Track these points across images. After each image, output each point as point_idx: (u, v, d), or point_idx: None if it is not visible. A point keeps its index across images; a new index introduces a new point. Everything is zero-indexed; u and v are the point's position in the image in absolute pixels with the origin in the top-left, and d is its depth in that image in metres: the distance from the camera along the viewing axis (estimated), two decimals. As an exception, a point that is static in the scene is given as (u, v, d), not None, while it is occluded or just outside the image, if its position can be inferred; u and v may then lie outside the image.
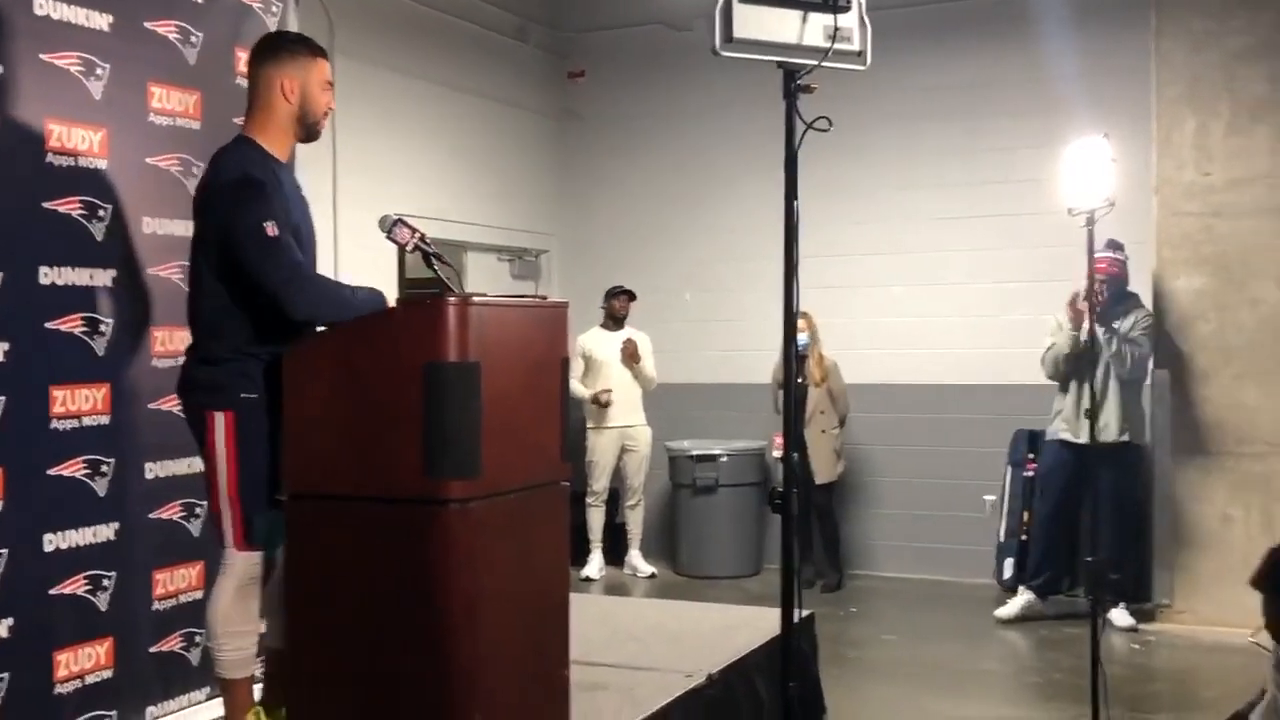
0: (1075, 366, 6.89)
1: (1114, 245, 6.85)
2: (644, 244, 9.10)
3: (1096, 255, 6.75)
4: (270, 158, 3.48)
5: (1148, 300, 7.16)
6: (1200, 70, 7.07)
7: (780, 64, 3.28)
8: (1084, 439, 6.80)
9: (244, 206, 3.30)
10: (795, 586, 3.35)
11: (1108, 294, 6.77)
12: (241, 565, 3.41)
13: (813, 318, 7.74)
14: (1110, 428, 6.79)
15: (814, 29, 3.25)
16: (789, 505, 3.34)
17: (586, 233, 9.33)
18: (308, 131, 3.56)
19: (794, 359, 3.58)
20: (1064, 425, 7.04)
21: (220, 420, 3.36)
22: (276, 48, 3.55)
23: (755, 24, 3.19)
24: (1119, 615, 6.91)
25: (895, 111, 8.27)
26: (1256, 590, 2.39)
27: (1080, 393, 6.88)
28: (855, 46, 3.36)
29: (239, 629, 3.43)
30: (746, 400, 8.57)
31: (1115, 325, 6.85)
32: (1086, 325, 6.79)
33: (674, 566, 8.62)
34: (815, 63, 3.27)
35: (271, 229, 3.27)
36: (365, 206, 5.99)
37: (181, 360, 3.55)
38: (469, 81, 8.33)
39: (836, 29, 3.24)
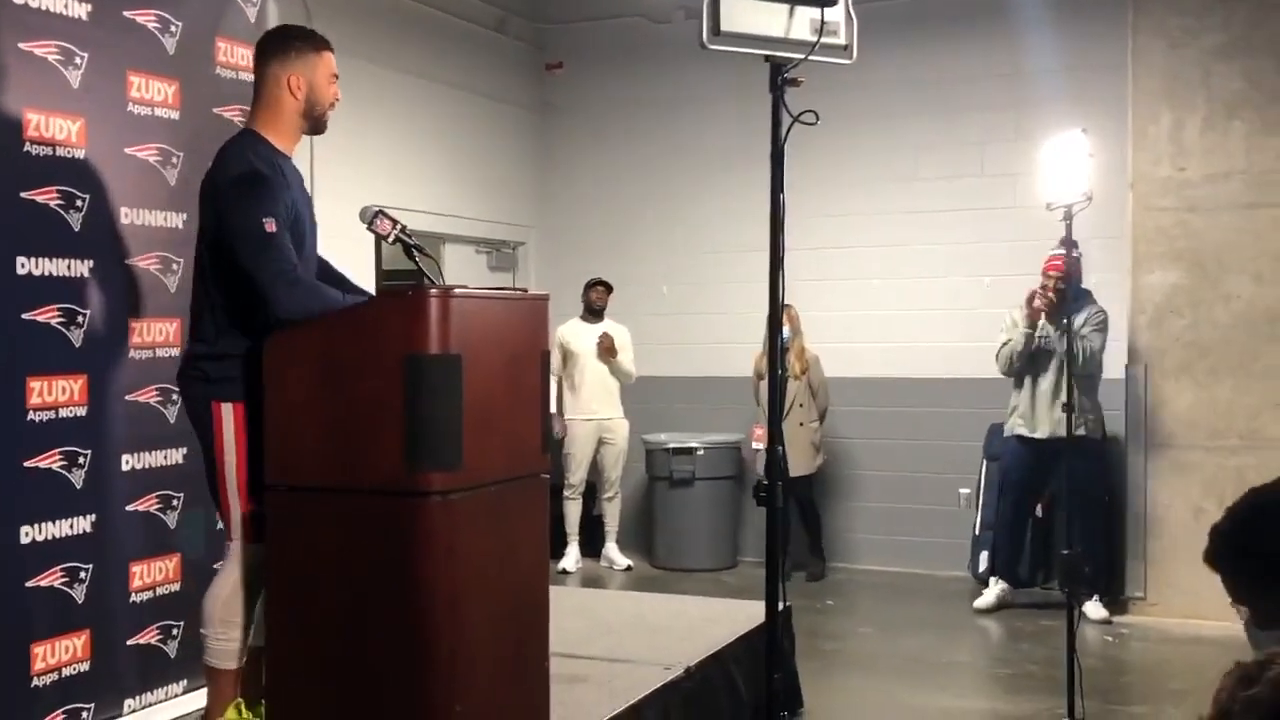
0: (1029, 363, 6.96)
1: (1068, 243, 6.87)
2: (622, 236, 9.10)
3: (1051, 254, 6.83)
4: (276, 152, 3.46)
5: (1123, 295, 7.20)
6: (1177, 67, 7.10)
7: (767, 58, 3.28)
8: (1040, 434, 6.94)
9: (246, 201, 3.28)
10: (780, 577, 3.35)
11: (1063, 290, 6.80)
12: (247, 557, 3.40)
13: (794, 310, 7.75)
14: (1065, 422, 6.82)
15: (801, 23, 3.25)
16: (774, 497, 3.34)
17: (565, 225, 9.32)
18: (314, 125, 3.55)
19: (779, 351, 3.59)
20: (1020, 421, 7.10)
21: (229, 411, 3.35)
22: (283, 44, 3.52)
23: (743, 18, 3.19)
24: (1092, 608, 6.96)
25: (873, 105, 8.27)
26: (1207, 565, 2.43)
27: (1035, 389, 6.98)
28: (841, 40, 3.36)
29: (234, 619, 3.42)
30: (724, 393, 8.59)
31: (1066, 321, 6.87)
32: (1043, 322, 6.88)
33: (650, 559, 8.62)
34: (802, 57, 3.27)
35: (270, 225, 3.26)
36: (343, 198, 5.94)
37: (168, 351, 3.53)
38: (447, 73, 8.30)
39: (823, 23, 3.24)
